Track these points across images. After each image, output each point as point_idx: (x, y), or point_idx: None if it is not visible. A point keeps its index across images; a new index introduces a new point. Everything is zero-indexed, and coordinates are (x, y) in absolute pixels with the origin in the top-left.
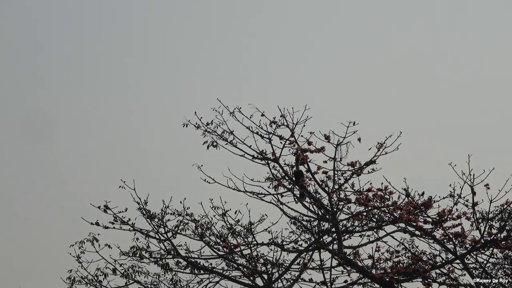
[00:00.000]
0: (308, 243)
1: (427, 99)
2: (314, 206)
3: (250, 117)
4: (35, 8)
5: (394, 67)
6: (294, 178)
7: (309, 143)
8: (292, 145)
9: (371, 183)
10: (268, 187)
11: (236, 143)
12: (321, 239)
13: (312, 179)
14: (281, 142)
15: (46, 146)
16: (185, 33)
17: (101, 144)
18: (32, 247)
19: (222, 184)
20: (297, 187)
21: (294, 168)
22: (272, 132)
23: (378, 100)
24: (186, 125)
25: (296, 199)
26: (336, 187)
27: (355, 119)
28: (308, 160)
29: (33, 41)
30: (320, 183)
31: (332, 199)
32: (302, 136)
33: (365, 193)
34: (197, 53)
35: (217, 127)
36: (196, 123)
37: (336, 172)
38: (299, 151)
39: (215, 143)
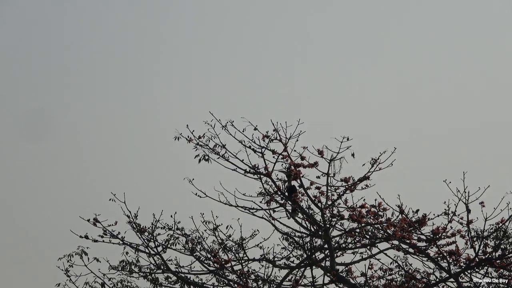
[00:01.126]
0: (300, 259)
1: (423, 112)
2: (307, 222)
3: (243, 131)
4: (33, 7)
5: (390, 81)
6: (286, 193)
7: (302, 158)
8: (285, 159)
9: (364, 199)
10: (260, 202)
11: (228, 157)
12: (314, 256)
13: (305, 195)
14: (273, 157)
15: (38, 150)
16: (181, 41)
17: (95, 153)
18: (20, 259)
19: (213, 199)
20: (290, 203)
21: (287, 183)
22: (265, 146)
23: (373, 115)
24: (178, 138)
25: (288, 215)
26: (329, 203)
27: (349, 134)
28: (301, 175)
29: (31, 39)
30: (313, 198)
31: (325, 215)
32: (295, 151)
33: (359, 209)
34: (192, 64)
35: (209, 140)
36: (188, 136)
37: (329, 188)
38: (292, 166)
39: (207, 157)
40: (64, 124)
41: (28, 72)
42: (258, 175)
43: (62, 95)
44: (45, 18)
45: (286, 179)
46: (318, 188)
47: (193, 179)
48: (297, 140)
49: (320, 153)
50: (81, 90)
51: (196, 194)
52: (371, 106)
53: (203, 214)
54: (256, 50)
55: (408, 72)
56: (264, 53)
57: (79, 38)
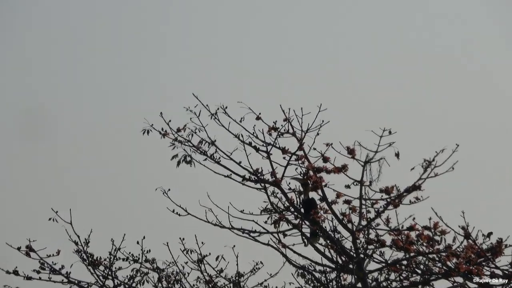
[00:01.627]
0: None
1: (488, 100)
2: (332, 251)
3: (240, 121)
4: (30, 4)
5: (444, 63)
6: (302, 210)
7: (325, 160)
8: (300, 161)
9: (414, 218)
10: (265, 222)
11: (219, 158)
12: None
13: (329, 212)
14: (284, 158)
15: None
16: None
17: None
18: None
19: (198, 218)
20: (307, 223)
21: (303, 196)
22: (272, 142)
23: (422, 102)
24: (148, 132)
25: (305, 241)
26: (364, 223)
27: (391, 126)
28: (324, 184)
29: (25, 36)
30: (341, 217)
31: (358, 241)
32: (314, 149)
33: (406, 232)
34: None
35: (192, 134)
36: (163, 129)
37: (364, 202)
38: (310, 171)
39: (188, 158)
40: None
41: (26, 70)
42: (262, 184)
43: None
44: (44, 16)
45: (302, 189)
46: (347, 202)
47: (169, 189)
48: (318, 134)
49: (351, 152)
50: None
51: (173, 211)
52: (418, 88)
53: (183, 239)
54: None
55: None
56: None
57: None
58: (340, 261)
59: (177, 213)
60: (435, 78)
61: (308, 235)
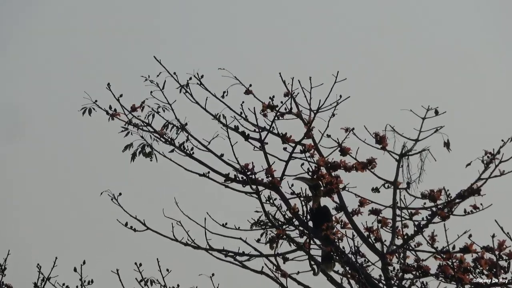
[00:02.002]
0: None
1: None
2: (352, 282)
3: (223, 97)
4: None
5: None
6: (311, 223)
7: (344, 152)
8: (308, 154)
9: (470, 236)
10: (258, 240)
11: (192, 149)
12: None
13: (349, 226)
14: (285, 149)
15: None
16: None
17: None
18: None
19: (162, 234)
20: (318, 242)
21: (312, 203)
22: (268, 127)
23: (483, 71)
24: (90, 111)
25: (315, 268)
26: (399, 242)
27: (437, 104)
28: (342, 186)
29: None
30: (366, 233)
31: (390, 268)
32: (328, 136)
33: (459, 255)
34: None
35: (154, 115)
36: (111, 108)
37: (399, 212)
38: (322, 168)
39: (148, 149)
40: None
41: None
42: (254, 187)
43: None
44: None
45: (310, 194)
46: (375, 212)
47: (120, 194)
48: (334, 115)
49: (381, 140)
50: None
51: (126, 224)
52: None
53: (139, 265)
54: None
55: None
56: None
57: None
58: None
59: (131, 227)
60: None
61: (319, 259)
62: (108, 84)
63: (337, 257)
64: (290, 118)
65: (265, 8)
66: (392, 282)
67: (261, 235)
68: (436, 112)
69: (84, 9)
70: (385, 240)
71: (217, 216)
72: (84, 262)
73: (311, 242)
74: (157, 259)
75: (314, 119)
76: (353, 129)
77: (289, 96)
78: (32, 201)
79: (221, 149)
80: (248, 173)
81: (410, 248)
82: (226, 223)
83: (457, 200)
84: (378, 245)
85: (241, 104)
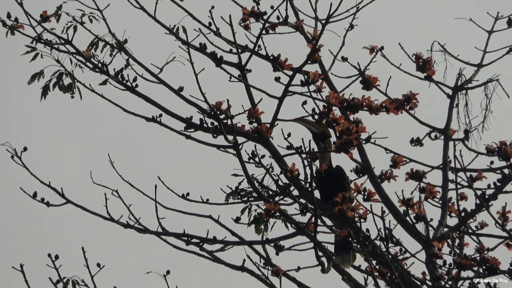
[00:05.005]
0: None
1: None
2: (382, 283)
3: None
4: None
5: None
6: (318, 193)
7: (368, 83)
8: (313, 87)
9: None
10: (237, 220)
11: (135, 80)
12: None
13: (375, 197)
14: (278, 79)
15: None
16: None
17: None
18: None
19: (90, 211)
20: (327, 222)
21: (319, 162)
22: (252, 47)
23: None
24: None
25: (324, 263)
26: (453, 221)
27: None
28: (363, 137)
29: None
30: (401, 208)
31: (439, 261)
32: (344, 60)
33: None
34: None
35: (76, 29)
36: (10, 16)
37: (452, 176)
38: (333, 107)
39: (67, 79)
40: None
41: None
42: (230, 137)
43: None
44: None
45: (315, 147)
46: (416, 175)
47: (26, 148)
48: (352, 28)
49: (424, 66)
50: None
51: (35, 196)
52: None
53: (55, 258)
54: None
55: None
56: None
57: None
58: None
59: (43, 200)
60: None
61: (331, 248)
62: None
63: (358, 246)
64: (285, 32)
65: None
66: (443, 282)
67: (242, 211)
68: (510, 22)
69: None
70: (431, 220)
71: (175, 183)
72: None
73: (318, 222)
74: (82, 248)
75: (323, 34)
76: (382, 48)
77: None
78: None
79: (179, 80)
80: (221, 116)
81: (470, 231)
82: (187, 194)
83: None
84: (420, 227)
85: (210, 10)
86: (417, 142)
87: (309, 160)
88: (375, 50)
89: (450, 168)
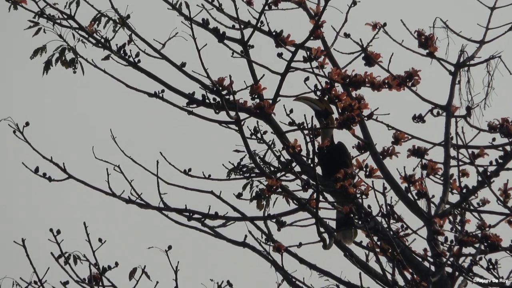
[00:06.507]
0: None
1: None
2: (383, 259)
3: None
4: None
5: None
6: (320, 169)
7: (370, 60)
8: (316, 63)
9: None
10: (238, 195)
11: (137, 55)
12: None
13: (377, 173)
14: (280, 56)
15: None
16: None
17: None
18: None
19: (92, 186)
20: (329, 198)
21: (321, 138)
22: (254, 23)
23: None
24: None
25: (325, 239)
26: (454, 197)
27: None
28: (365, 113)
29: None
30: (403, 185)
31: (440, 237)
32: (346, 36)
33: None
34: None
35: (79, 3)
36: None
37: (454, 153)
38: (336, 84)
39: (70, 54)
40: None
41: None
42: (232, 113)
43: None
44: None
45: (318, 124)
46: (418, 152)
47: (28, 124)
48: (355, 3)
49: (426, 43)
50: None
51: (37, 171)
52: None
53: (57, 232)
54: None
55: None
56: None
57: None
58: (400, 283)
59: (45, 175)
60: None
61: (333, 225)
62: None
63: (359, 222)
64: (288, 8)
65: None
66: (444, 259)
67: (244, 187)
68: None
69: None
70: (433, 196)
71: (177, 158)
72: None
73: (320, 198)
74: (84, 223)
75: (325, 10)
76: (385, 25)
77: None
78: None
79: (182, 56)
80: (224, 92)
81: (471, 208)
82: (189, 169)
83: None
84: (422, 204)
85: None
86: (419, 118)
87: (311, 136)
88: (378, 27)
89: (452, 145)
